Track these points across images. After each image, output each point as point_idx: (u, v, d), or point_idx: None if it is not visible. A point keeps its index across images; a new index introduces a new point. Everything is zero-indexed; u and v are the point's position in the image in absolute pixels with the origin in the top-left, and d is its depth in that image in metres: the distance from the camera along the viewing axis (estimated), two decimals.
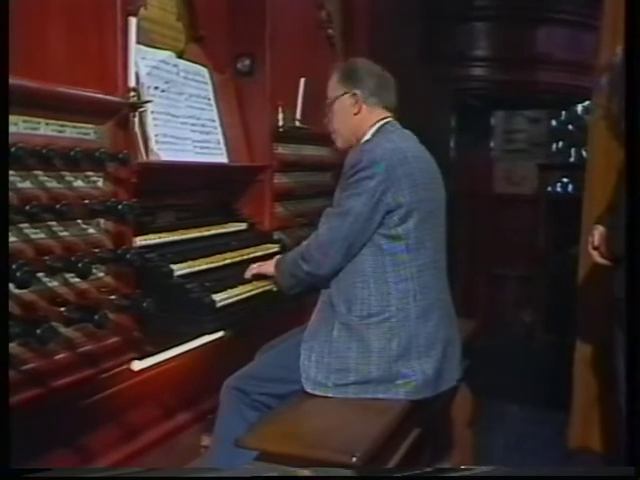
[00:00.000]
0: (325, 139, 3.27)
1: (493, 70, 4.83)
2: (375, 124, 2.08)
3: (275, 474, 1.55)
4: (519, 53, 4.69)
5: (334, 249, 1.94)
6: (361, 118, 2.10)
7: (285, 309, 2.33)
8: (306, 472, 1.48)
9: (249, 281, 2.23)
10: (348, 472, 1.55)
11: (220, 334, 2.18)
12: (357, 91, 2.09)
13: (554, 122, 6.23)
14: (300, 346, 2.00)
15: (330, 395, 1.93)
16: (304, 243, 2.05)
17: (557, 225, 5.12)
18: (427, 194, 2.01)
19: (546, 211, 5.35)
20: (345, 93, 2.11)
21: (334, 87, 2.16)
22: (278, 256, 2.25)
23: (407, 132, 2.12)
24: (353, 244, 1.94)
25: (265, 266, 2.23)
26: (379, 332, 1.93)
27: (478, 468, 1.95)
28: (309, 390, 1.96)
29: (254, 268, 2.26)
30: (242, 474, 1.58)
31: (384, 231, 1.94)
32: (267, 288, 2.23)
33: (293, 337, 2.12)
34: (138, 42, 1.94)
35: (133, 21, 1.87)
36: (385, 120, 2.09)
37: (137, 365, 1.94)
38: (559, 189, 5.57)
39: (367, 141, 2.05)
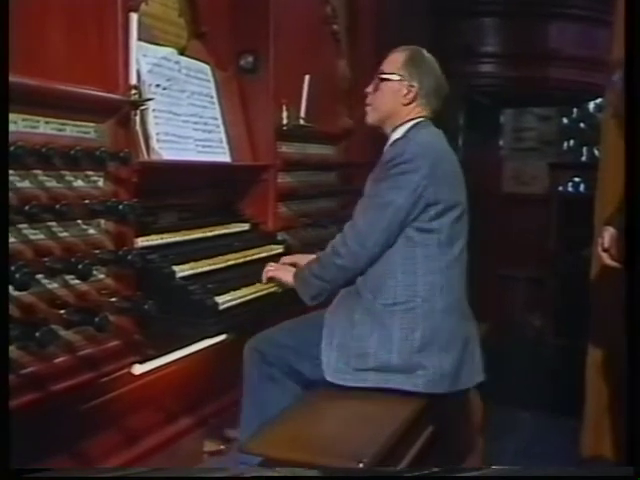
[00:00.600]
0: (330, 137, 3.32)
1: (502, 66, 4.82)
2: (413, 120, 2.12)
3: (275, 474, 1.56)
4: (529, 49, 4.68)
5: (373, 240, 1.98)
6: (405, 110, 2.12)
7: (290, 311, 2.33)
8: (312, 472, 1.49)
9: (252, 283, 2.23)
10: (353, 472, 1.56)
11: (223, 337, 2.19)
12: (417, 86, 2.11)
13: (565, 120, 6.22)
14: (321, 322, 2.03)
15: (349, 384, 1.96)
16: (331, 242, 2.07)
17: (568, 226, 5.11)
18: (462, 194, 2.10)
19: (557, 211, 5.34)
20: (404, 80, 2.11)
21: (396, 66, 2.14)
22: (294, 269, 2.22)
23: (440, 131, 2.16)
24: (390, 236, 1.99)
25: (282, 272, 2.23)
26: (403, 321, 1.97)
27: (486, 468, 1.95)
28: (329, 378, 1.98)
29: (270, 271, 2.26)
30: (242, 474, 1.59)
31: (418, 224, 1.99)
32: (271, 290, 2.24)
33: (316, 313, 2.15)
34: (139, 39, 1.94)
35: (134, 17, 1.87)
36: (421, 118, 2.13)
37: (138, 369, 1.95)
38: (570, 189, 5.56)
39: (407, 135, 2.08)
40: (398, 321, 1.97)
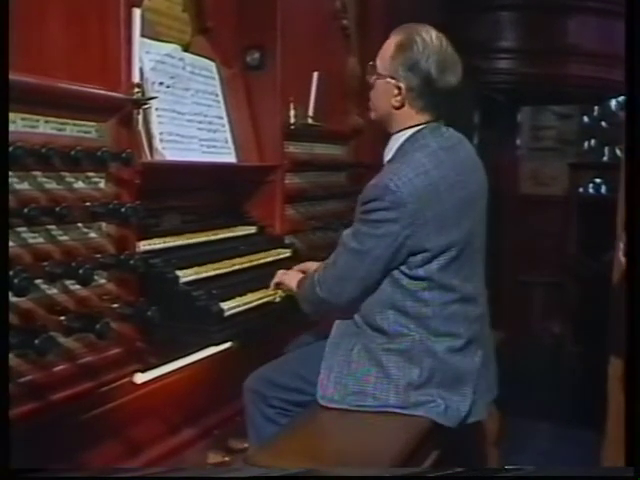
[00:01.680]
0: (339, 137, 3.32)
1: (519, 62, 4.81)
2: (412, 127, 1.94)
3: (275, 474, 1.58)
4: (547, 44, 4.67)
5: (351, 286, 1.93)
6: (399, 115, 1.95)
7: (298, 318, 2.33)
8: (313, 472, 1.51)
9: (259, 288, 2.24)
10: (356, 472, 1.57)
11: (228, 345, 2.19)
12: (403, 86, 1.91)
13: (586, 118, 6.20)
14: (320, 358, 2.01)
15: (345, 407, 1.94)
16: (321, 266, 2.03)
17: (588, 229, 5.09)
18: (460, 230, 1.90)
19: (577, 214, 5.32)
20: (392, 78, 1.91)
21: (384, 58, 1.95)
22: (302, 274, 2.20)
23: (448, 140, 1.97)
24: (371, 283, 1.93)
25: (290, 277, 2.22)
26: (399, 360, 1.92)
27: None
28: (323, 403, 1.97)
29: (279, 276, 2.26)
30: (242, 474, 1.61)
31: (404, 269, 1.90)
32: (277, 297, 2.24)
33: (314, 345, 2.13)
34: (142, 35, 1.94)
35: (137, 12, 1.88)
36: (424, 124, 1.94)
37: (140, 378, 1.96)
38: (591, 190, 5.54)
39: (391, 167, 1.89)
40: (394, 360, 1.92)
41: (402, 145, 1.96)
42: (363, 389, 1.93)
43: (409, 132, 1.95)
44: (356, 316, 1.99)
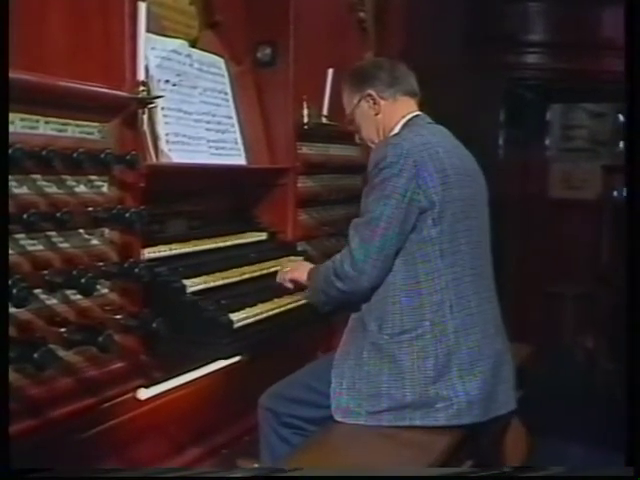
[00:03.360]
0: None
1: (549, 57, 4.81)
2: (402, 119, 2.15)
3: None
4: (580, 37, 4.67)
5: (370, 263, 1.95)
6: (383, 116, 2.18)
7: (311, 330, 2.34)
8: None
9: (270, 298, 2.25)
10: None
11: (237, 358, 2.20)
12: (370, 90, 2.18)
13: (621, 117, 6.17)
14: (330, 368, 2.03)
15: (362, 422, 1.96)
16: (336, 257, 2.05)
17: (623, 236, 5.06)
18: (462, 192, 2.03)
19: (611, 219, 5.29)
20: (360, 99, 2.20)
21: (348, 98, 2.25)
22: (311, 265, 2.27)
23: (439, 127, 2.16)
24: (390, 254, 1.96)
25: (299, 271, 2.25)
26: (412, 350, 1.95)
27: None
28: (339, 419, 1.99)
29: (285, 272, 2.28)
30: (242, 474, 1.61)
31: (416, 235, 1.96)
32: (291, 306, 2.25)
33: (324, 358, 2.16)
34: (147, 30, 1.96)
35: (142, 6, 1.90)
36: (413, 114, 2.16)
37: (144, 393, 1.97)
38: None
39: (393, 135, 2.11)
40: (407, 351, 1.95)
41: (399, 132, 2.13)
42: (377, 390, 1.96)
43: (401, 122, 2.15)
44: (364, 315, 2.02)
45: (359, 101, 2.20)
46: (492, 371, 2.00)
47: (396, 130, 2.14)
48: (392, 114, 2.17)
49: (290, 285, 2.28)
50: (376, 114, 2.19)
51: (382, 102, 2.17)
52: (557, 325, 5.40)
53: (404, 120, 2.14)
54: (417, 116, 2.16)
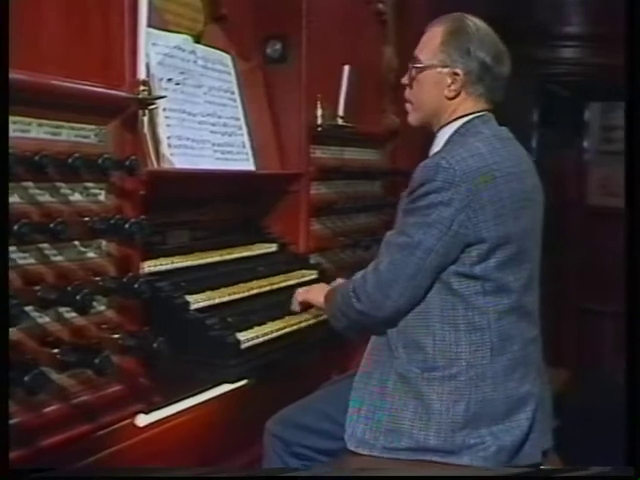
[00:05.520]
0: (373, 140, 3.34)
1: (586, 51, 4.79)
2: (462, 117, 2.04)
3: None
4: (619, 29, 4.65)
5: (398, 290, 1.91)
6: (452, 105, 2.05)
7: (325, 350, 2.34)
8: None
9: (281, 316, 2.26)
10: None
11: (244, 382, 2.20)
12: (461, 72, 2.02)
13: None
14: (349, 395, 2.00)
15: (376, 454, 1.94)
16: (358, 275, 2.02)
17: None
18: (518, 224, 1.95)
19: None
20: (444, 66, 2.03)
21: (431, 48, 2.06)
22: (329, 286, 2.23)
23: (501, 131, 2.07)
24: (420, 285, 1.91)
25: (313, 292, 2.24)
26: (442, 391, 1.91)
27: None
28: (352, 448, 1.97)
29: (300, 294, 2.28)
30: (243, 474, 1.62)
31: (457, 268, 1.91)
32: (303, 325, 2.26)
33: (343, 382, 2.13)
34: (148, 24, 1.97)
35: None
36: (477, 114, 2.04)
37: (143, 419, 1.98)
38: None
39: (444, 150, 1.98)
40: (437, 391, 1.90)
41: (451, 136, 2.04)
42: (398, 426, 1.92)
43: (459, 122, 2.04)
44: (391, 338, 1.98)
45: (439, 66, 2.03)
46: (528, 421, 1.96)
47: (452, 128, 2.03)
48: (457, 110, 2.04)
49: (298, 308, 2.27)
50: (448, 97, 2.04)
51: (462, 95, 2.04)
52: (595, 345, 5.36)
53: (466, 119, 2.03)
54: (480, 116, 2.04)
